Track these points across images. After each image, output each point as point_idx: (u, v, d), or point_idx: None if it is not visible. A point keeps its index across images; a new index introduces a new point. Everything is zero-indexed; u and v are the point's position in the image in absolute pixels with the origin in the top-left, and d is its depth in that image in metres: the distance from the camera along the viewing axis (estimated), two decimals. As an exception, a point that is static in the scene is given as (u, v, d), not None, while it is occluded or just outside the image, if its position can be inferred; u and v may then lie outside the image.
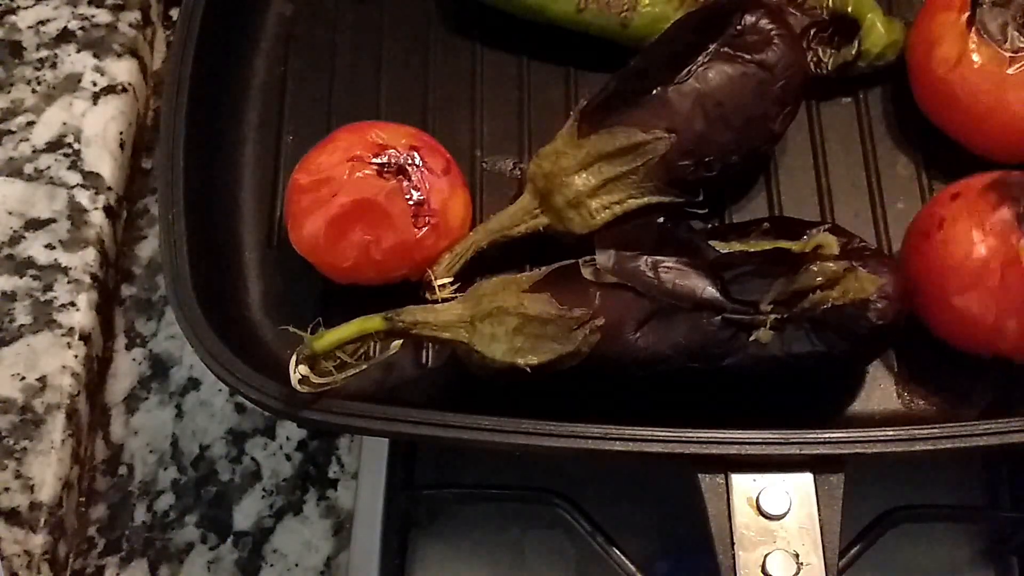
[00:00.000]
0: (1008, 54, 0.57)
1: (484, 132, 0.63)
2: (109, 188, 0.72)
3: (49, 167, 0.72)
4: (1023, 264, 0.51)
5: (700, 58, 0.55)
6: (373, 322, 0.50)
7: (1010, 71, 0.57)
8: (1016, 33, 0.57)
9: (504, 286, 0.53)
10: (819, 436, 0.50)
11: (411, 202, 0.54)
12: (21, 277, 0.69)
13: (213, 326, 0.53)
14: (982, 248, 0.51)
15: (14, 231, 0.70)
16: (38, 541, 0.62)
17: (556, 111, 0.63)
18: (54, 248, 0.70)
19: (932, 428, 0.51)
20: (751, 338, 0.51)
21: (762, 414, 0.51)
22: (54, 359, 0.67)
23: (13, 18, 0.77)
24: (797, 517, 0.49)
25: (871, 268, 0.51)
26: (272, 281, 0.59)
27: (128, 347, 0.72)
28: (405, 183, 0.54)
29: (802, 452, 0.50)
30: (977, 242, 0.52)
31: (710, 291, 0.51)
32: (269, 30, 0.66)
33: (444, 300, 0.54)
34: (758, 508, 0.49)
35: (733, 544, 0.49)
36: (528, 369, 0.51)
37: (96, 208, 0.71)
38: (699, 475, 0.50)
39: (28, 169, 0.72)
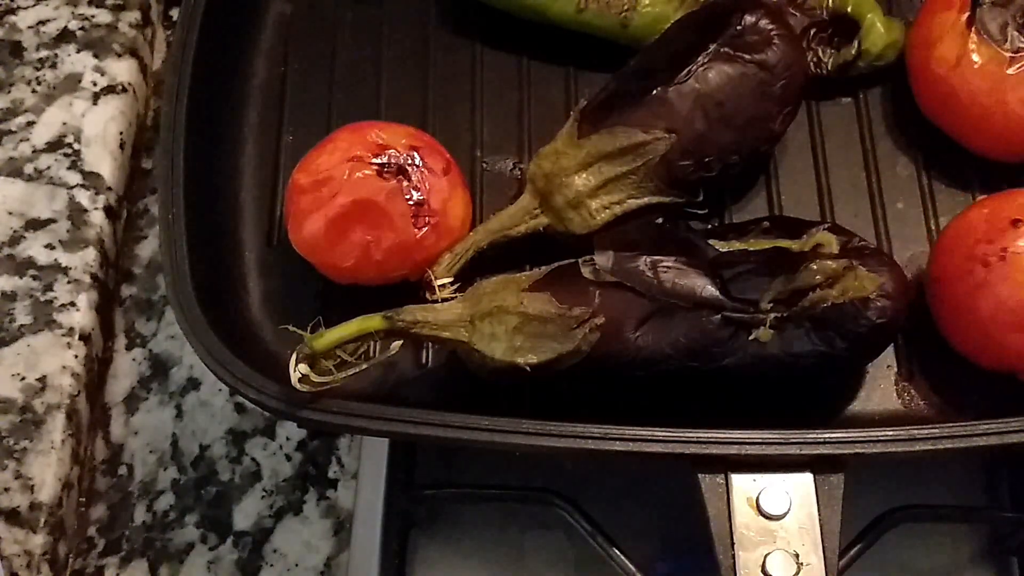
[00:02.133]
0: (1008, 54, 0.57)
1: (484, 132, 0.63)
2: (109, 188, 0.72)
3: (49, 167, 0.72)
4: None
5: (700, 58, 0.55)
6: (373, 321, 0.50)
7: (1010, 71, 0.57)
8: (1016, 33, 0.57)
9: (504, 285, 0.53)
10: (819, 436, 0.50)
11: (411, 202, 0.54)
12: (21, 277, 0.69)
13: (213, 326, 0.53)
14: None
15: (14, 231, 0.70)
16: (38, 541, 0.62)
17: (556, 111, 0.63)
18: (54, 248, 0.70)
19: (932, 428, 0.51)
20: (751, 337, 0.51)
21: (762, 414, 0.51)
22: (54, 359, 0.67)
23: (13, 18, 0.77)
24: (797, 517, 0.49)
25: (871, 267, 0.51)
26: (272, 281, 0.59)
27: (128, 347, 0.72)
28: (405, 183, 0.54)
29: (802, 452, 0.50)
30: None
31: (709, 290, 0.51)
32: (269, 30, 0.66)
33: (444, 300, 0.54)
34: (758, 508, 0.49)
35: (733, 544, 0.49)
36: (528, 368, 0.51)
37: (96, 208, 0.71)
38: (699, 475, 0.50)
39: (28, 169, 0.72)
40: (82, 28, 0.77)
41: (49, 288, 0.69)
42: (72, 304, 0.68)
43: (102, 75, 0.75)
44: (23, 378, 0.66)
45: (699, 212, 0.58)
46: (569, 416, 0.50)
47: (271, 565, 0.65)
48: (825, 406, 0.56)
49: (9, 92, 0.74)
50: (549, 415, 0.50)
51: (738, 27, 0.56)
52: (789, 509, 0.49)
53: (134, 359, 0.71)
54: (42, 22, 0.77)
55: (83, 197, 0.71)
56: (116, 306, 0.73)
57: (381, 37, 0.66)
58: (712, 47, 0.56)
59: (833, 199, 0.60)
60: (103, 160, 0.73)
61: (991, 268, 0.52)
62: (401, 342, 0.53)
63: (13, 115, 0.74)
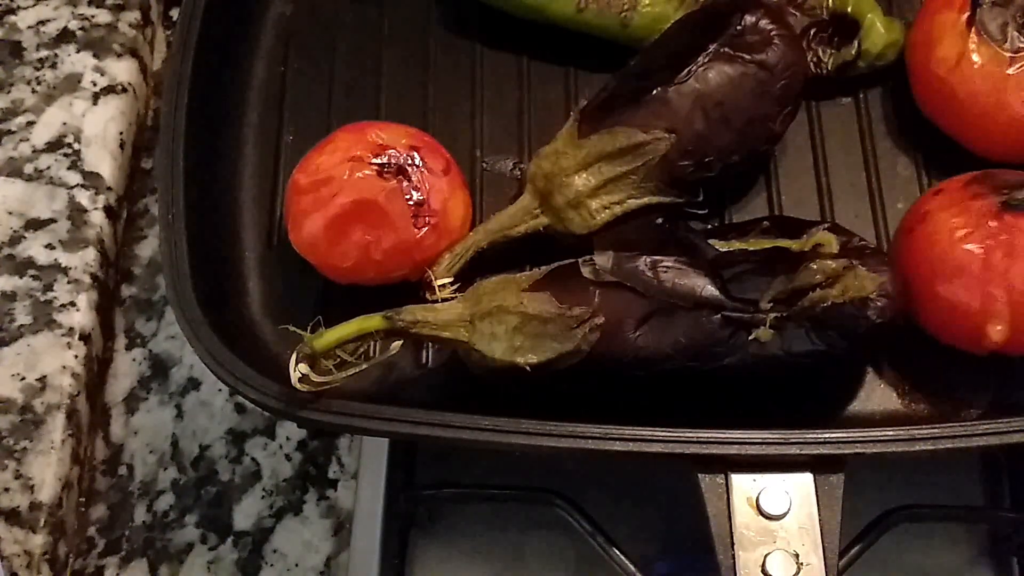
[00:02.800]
0: (1008, 54, 0.57)
1: (484, 132, 0.63)
2: (109, 188, 0.72)
3: (49, 167, 0.72)
4: (1005, 246, 0.51)
5: (700, 58, 0.55)
6: (373, 321, 0.50)
7: (1010, 71, 0.57)
8: (1016, 33, 0.57)
9: (504, 285, 0.53)
10: (819, 436, 0.50)
11: (411, 202, 0.54)
12: (21, 277, 0.69)
13: (213, 326, 0.53)
14: (962, 232, 0.52)
15: (14, 231, 0.70)
16: (38, 541, 0.62)
17: (556, 111, 0.63)
18: (54, 248, 0.70)
19: (932, 428, 0.51)
20: (751, 337, 0.51)
21: (762, 414, 0.51)
22: (54, 359, 0.67)
23: (13, 18, 0.77)
24: (797, 517, 0.49)
25: (871, 266, 0.51)
26: (272, 281, 0.59)
27: (128, 347, 0.72)
28: (405, 183, 0.54)
29: (802, 452, 0.50)
30: (958, 228, 0.52)
31: (709, 289, 0.51)
32: (269, 30, 0.66)
33: (444, 300, 0.54)
34: (758, 508, 0.49)
35: (733, 544, 0.49)
36: (528, 368, 0.51)
37: (96, 208, 0.71)
38: (699, 475, 0.50)
39: (28, 169, 0.72)
40: (82, 28, 0.77)
41: (49, 288, 0.69)
42: (72, 304, 0.68)
43: (102, 75, 0.75)
44: (23, 378, 0.66)
45: (699, 212, 0.58)
46: (569, 416, 0.50)
47: (271, 565, 0.65)
48: (825, 406, 0.56)
49: (9, 92, 0.74)
50: (549, 415, 0.50)
51: (738, 27, 0.56)
52: (789, 509, 0.49)
53: (134, 359, 0.71)
54: (42, 22, 0.77)
55: (83, 197, 0.71)
56: (116, 306, 0.73)
57: (381, 37, 0.66)
58: (712, 47, 0.56)
59: (833, 199, 0.60)
60: (103, 160, 0.73)
61: (914, 232, 0.54)
62: (401, 342, 0.53)
63: (13, 115, 0.74)
